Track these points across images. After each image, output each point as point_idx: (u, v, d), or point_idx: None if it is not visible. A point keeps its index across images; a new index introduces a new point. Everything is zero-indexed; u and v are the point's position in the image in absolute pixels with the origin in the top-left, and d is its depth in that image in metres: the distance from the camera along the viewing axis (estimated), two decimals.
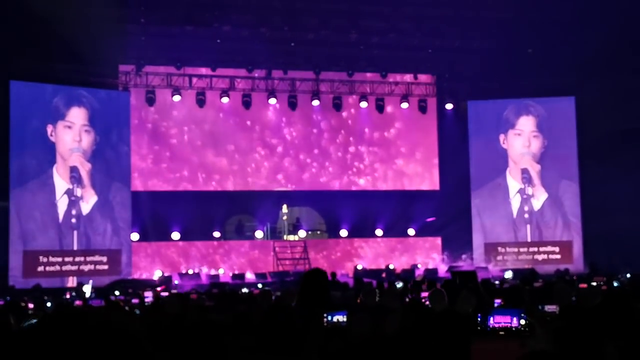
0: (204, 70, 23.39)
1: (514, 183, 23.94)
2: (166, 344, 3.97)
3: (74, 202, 21.00)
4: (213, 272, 21.91)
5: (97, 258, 21.23)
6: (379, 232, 24.61)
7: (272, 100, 23.65)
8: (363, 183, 25.22)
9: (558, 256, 23.51)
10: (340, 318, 6.04)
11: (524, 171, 23.83)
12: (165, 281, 20.48)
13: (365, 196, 24.66)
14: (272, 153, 24.52)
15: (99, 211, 21.38)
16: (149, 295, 14.04)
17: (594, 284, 13.15)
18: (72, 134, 21.04)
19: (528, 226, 23.84)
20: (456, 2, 21.45)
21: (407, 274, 20.64)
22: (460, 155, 23.95)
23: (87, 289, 17.45)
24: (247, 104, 23.58)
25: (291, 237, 23.58)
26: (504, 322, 6.23)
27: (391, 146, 25.37)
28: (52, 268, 20.59)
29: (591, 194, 22.53)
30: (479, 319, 6.32)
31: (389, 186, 25.30)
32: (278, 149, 24.56)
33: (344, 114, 24.97)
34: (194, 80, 23.21)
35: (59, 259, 20.76)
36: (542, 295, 9.42)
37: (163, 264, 22.52)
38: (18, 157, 20.26)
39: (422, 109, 24.68)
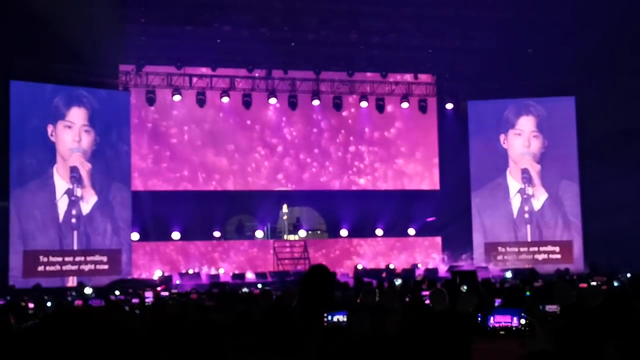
0: (204, 70, 23.38)
1: (514, 183, 23.94)
2: (166, 344, 3.97)
3: (74, 202, 21.00)
4: (213, 271, 21.91)
5: (97, 258, 21.23)
6: (379, 231, 24.59)
7: (272, 100, 23.64)
8: (363, 183, 25.20)
9: (558, 256, 23.50)
10: (340, 318, 6.04)
11: (524, 171, 23.82)
12: (166, 281, 20.48)
13: (365, 196, 24.64)
14: (272, 153, 24.51)
15: (99, 211, 21.38)
16: (149, 295, 14.05)
17: (594, 283, 13.18)
18: (72, 134, 21.04)
19: (528, 226, 23.83)
20: (456, 2, 21.45)
21: (407, 274, 20.63)
22: (460, 155, 23.95)
23: (88, 290, 17.49)
24: (247, 103, 23.57)
25: (291, 237, 23.56)
26: (504, 322, 6.24)
27: (391, 146, 25.35)
28: (52, 268, 20.58)
29: (591, 194, 22.53)
30: (479, 319, 6.32)
31: (389, 186, 25.28)
32: (278, 149, 24.54)
33: (344, 113, 24.96)
34: (194, 80, 23.20)
35: (59, 259, 20.75)
36: (542, 295, 9.43)
37: (163, 264, 22.51)
38: (18, 157, 20.26)
39: (422, 108, 24.68)
